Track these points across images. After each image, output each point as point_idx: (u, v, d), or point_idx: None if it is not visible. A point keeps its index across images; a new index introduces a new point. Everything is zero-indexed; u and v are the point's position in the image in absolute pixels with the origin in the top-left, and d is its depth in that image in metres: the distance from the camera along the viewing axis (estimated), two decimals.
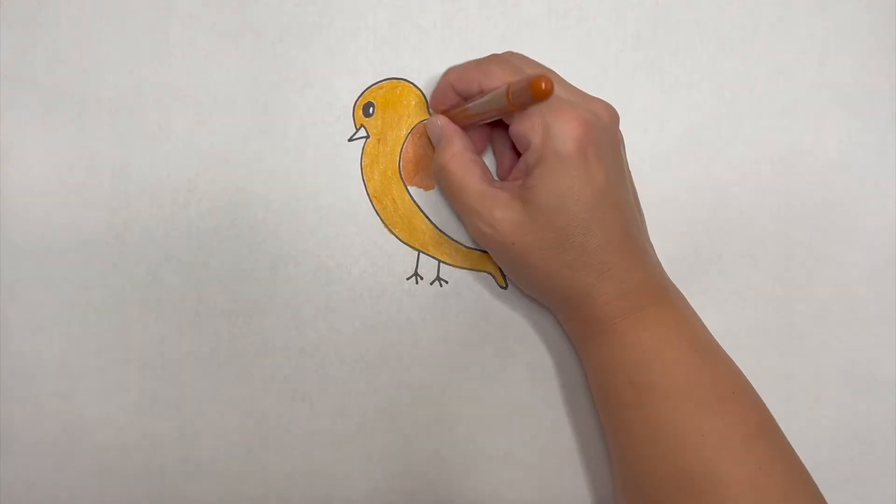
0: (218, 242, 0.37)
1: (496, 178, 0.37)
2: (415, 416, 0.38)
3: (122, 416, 0.37)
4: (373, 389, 0.38)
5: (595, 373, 0.34)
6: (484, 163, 0.35)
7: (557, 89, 0.32)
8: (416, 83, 0.38)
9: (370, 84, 0.38)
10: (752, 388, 0.33)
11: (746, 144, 0.39)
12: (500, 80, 0.32)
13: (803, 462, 0.32)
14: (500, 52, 0.37)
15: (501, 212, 0.32)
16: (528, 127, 0.32)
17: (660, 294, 0.33)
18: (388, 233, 0.38)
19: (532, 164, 0.32)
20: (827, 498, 0.32)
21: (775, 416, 0.33)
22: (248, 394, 0.38)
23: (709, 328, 0.34)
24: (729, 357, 0.33)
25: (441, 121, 0.35)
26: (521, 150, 0.33)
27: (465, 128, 0.35)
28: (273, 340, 0.38)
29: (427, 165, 0.38)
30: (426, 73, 0.38)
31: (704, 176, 0.39)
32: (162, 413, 0.37)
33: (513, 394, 0.38)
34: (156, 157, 0.37)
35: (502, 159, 0.37)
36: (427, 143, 0.38)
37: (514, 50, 0.36)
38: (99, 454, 0.37)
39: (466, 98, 0.35)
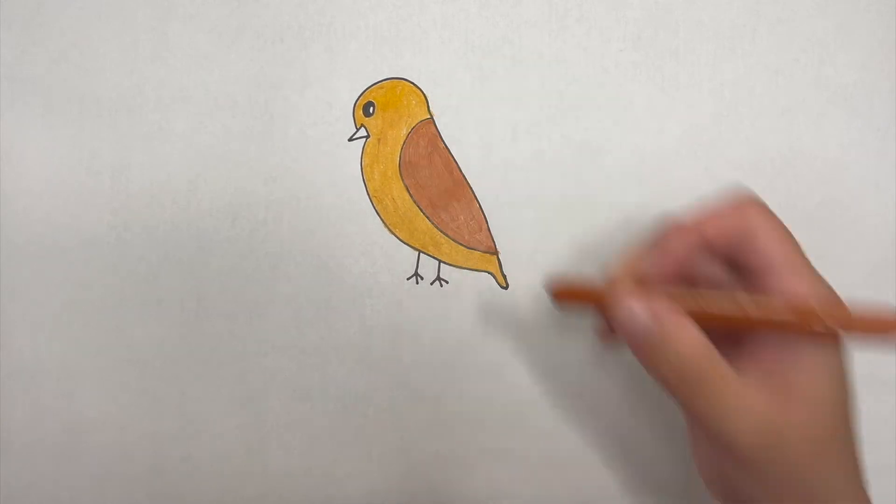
0: (218, 242, 0.37)
1: None
2: (415, 416, 0.38)
3: (122, 416, 0.37)
4: (373, 389, 0.38)
5: None
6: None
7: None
8: (416, 83, 0.38)
9: (370, 84, 0.38)
10: None
11: (746, 144, 0.39)
12: (765, 234, 0.26)
13: None
14: (501, 55, 0.36)
15: (750, 402, 0.24)
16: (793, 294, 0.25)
17: None
18: (388, 233, 0.38)
19: (783, 340, 0.25)
20: None
21: None
22: (248, 394, 0.38)
23: None
24: None
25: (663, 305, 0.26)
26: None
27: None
28: (273, 340, 0.38)
29: (427, 165, 0.38)
30: (426, 73, 0.38)
31: (704, 176, 0.39)
32: (162, 413, 0.37)
33: (513, 394, 0.38)
34: (156, 157, 0.37)
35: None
36: (428, 142, 0.38)
37: (514, 50, 0.36)
38: (99, 454, 0.37)
39: (717, 255, 0.27)
